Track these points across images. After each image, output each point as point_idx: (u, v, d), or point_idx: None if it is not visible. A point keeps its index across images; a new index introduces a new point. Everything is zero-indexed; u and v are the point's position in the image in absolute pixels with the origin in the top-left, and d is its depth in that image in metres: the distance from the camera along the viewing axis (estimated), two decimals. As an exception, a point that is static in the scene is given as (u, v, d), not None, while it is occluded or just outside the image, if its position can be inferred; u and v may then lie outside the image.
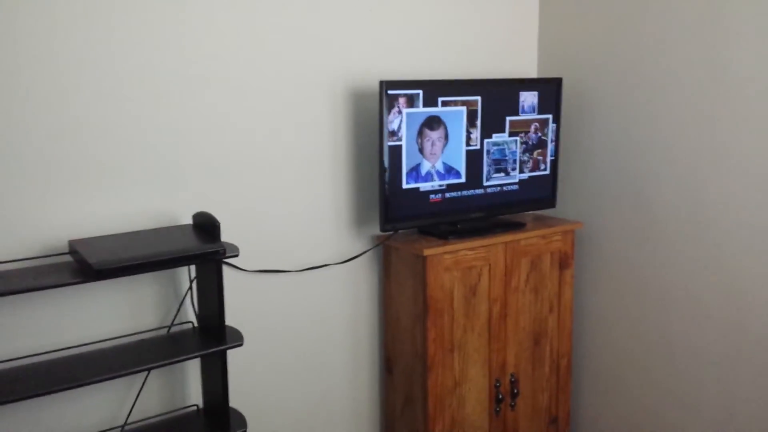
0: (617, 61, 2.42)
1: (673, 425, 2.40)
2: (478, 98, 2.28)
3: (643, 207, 2.40)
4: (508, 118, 2.37)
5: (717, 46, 2.12)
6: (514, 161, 2.42)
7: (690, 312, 2.30)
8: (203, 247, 1.70)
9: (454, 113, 2.25)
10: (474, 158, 2.33)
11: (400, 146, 2.15)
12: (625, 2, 2.37)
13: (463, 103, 2.26)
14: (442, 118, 2.23)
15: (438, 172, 2.26)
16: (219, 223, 1.77)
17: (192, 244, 1.72)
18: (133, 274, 1.58)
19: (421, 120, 2.18)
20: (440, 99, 2.20)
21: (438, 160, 2.25)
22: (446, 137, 2.25)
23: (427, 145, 2.22)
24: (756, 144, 2.06)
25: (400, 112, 2.13)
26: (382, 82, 2.07)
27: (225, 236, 2.06)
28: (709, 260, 2.23)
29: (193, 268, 1.96)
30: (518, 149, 2.42)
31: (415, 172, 2.21)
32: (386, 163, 2.14)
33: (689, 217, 2.27)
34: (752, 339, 2.14)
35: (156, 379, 2.01)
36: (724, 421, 2.24)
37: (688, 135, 2.23)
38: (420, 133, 2.19)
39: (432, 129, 2.22)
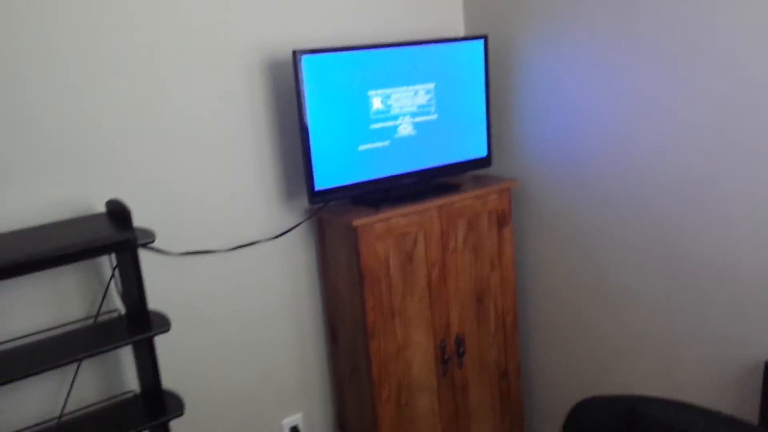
0: (543, 14, 2.36)
1: (616, 372, 2.43)
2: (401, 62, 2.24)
3: (576, 159, 2.38)
4: (433, 80, 2.33)
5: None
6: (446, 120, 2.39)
7: (625, 262, 2.31)
8: (111, 237, 1.66)
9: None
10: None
11: (321, 116, 2.11)
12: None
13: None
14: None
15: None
16: (130, 210, 1.73)
17: (101, 234, 1.68)
18: (33, 271, 1.54)
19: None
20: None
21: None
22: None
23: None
24: (683, 94, 2.04)
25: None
26: (295, 51, 2.02)
27: (147, 220, 2.03)
28: (642, 210, 2.23)
29: (114, 255, 1.92)
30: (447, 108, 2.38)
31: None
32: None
33: (621, 167, 2.25)
34: (685, 285, 2.15)
35: (90, 369, 1.99)
36: (663, 365, 2.27)
37: (616, 86, 2.20)
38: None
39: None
